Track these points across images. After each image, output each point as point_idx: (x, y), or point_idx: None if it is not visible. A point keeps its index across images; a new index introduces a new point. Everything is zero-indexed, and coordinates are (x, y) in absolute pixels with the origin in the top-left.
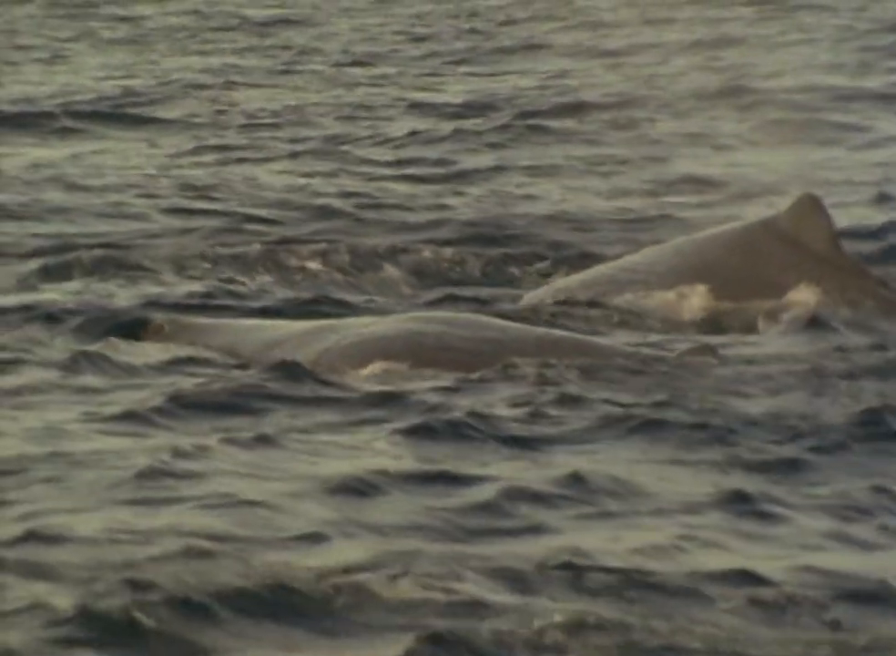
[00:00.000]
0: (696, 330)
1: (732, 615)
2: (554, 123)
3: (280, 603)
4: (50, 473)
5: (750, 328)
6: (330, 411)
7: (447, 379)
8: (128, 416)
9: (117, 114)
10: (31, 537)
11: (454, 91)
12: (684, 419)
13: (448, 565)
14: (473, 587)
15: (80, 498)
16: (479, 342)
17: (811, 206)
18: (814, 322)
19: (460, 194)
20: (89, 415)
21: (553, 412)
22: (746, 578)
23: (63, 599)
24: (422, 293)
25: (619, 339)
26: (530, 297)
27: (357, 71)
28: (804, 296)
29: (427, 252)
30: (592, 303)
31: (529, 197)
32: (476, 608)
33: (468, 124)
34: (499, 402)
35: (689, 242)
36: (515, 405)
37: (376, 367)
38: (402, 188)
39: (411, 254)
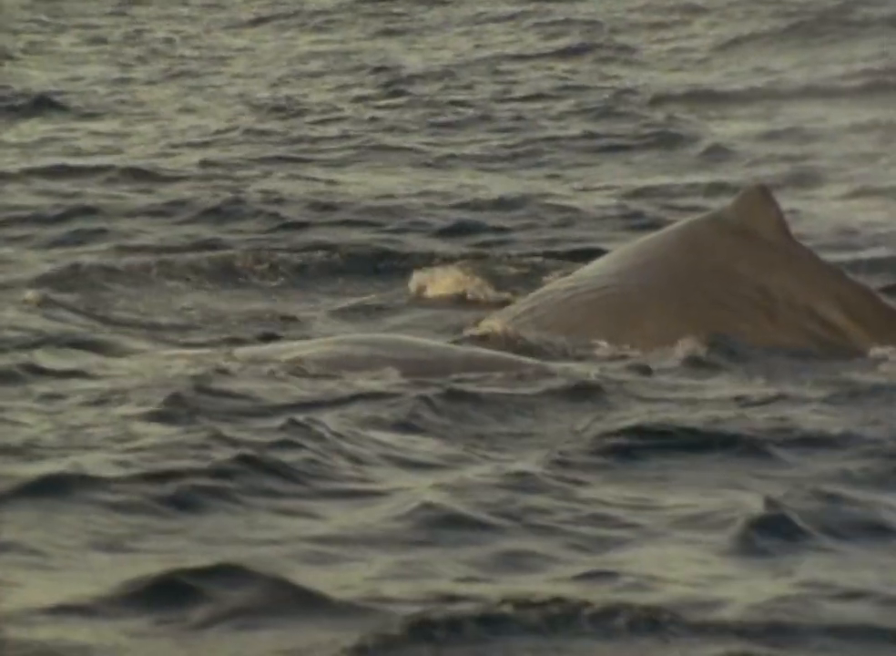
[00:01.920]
0: (640, 335)
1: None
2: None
3: None
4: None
5: (699, 323)
6: (261, 438)
7: (376, 403)
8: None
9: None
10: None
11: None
12: (612, 438)
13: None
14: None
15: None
16: (407, 363)
17: (759, 196)
18: (765, 315)
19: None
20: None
21: (479, 432)
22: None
23: None
24: (361, 315)
25: (560, 356)
26: (484, 322)
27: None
28: (756, 286)
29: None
30: (537, 322)
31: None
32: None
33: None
34: (425, 423)
35: (633, 247)
36: (442, 426)
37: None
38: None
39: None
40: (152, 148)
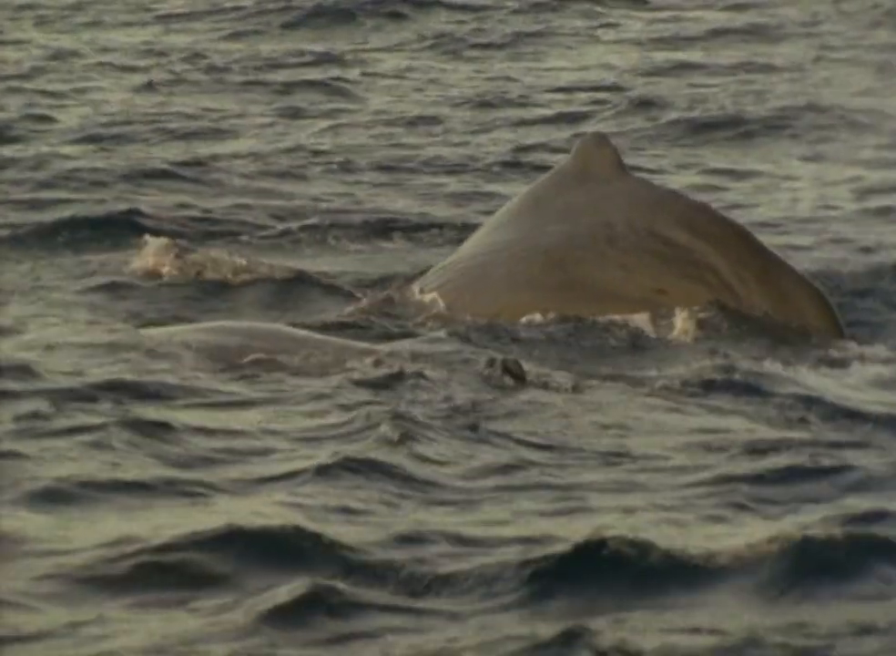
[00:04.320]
0: (485, 287)
1: None
2: None
3: None
4: None
5: (542, 262)
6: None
7: (249, 391)
8: None
9: None
10: None
11: None
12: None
13: None
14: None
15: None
16: (281, 353)
17: (595, 141)
18: (606, 242)
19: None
20: None
21: (334, 420)
22: None
23: None
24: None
25: (438, 340)
26: (358, 306)
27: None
28: (596, 219)
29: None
30: (415, 306)
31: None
32: None
33: None
34: (298, 413)
35: (484, 224)
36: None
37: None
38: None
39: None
40: None
